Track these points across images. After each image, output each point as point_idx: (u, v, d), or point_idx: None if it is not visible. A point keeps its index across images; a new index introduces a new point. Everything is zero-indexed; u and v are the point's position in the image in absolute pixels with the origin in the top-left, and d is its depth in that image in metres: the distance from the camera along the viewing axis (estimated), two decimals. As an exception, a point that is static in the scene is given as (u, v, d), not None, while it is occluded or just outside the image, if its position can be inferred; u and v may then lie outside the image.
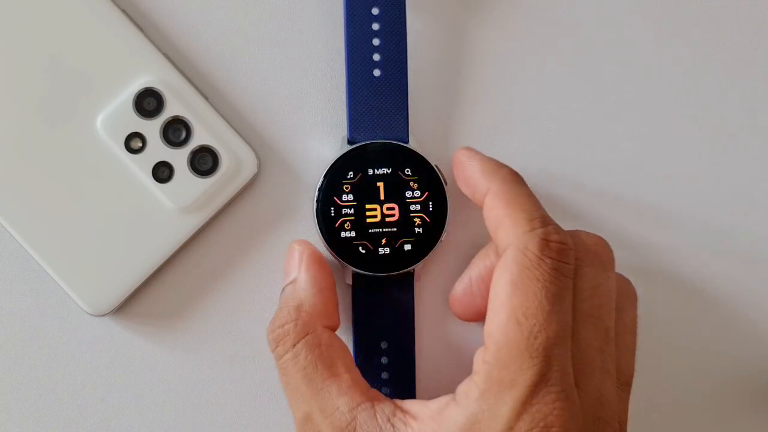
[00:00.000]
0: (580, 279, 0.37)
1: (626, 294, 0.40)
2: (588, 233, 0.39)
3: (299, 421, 0.39)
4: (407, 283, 0.43)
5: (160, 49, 0.43)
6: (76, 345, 0.43)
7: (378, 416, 0.37)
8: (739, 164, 0.46)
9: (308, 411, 0.38)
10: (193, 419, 0.44)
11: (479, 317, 0.41)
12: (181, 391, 0.44)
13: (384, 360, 0.42)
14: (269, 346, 0.40)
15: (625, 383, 0.39)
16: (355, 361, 0.42)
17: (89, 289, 0.42)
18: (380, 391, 0.40)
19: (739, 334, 0.45)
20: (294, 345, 0.39)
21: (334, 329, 0.40)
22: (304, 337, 0.39)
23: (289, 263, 0.41)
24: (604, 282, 0.38)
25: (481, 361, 0.36)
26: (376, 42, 0.43)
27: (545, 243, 0.36)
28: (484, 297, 0.39)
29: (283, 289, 0.41)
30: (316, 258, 0.41)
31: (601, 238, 0.39)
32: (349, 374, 0.38)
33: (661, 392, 0.45)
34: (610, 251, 0.39)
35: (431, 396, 0.38)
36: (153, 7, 0.45)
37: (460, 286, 0.42)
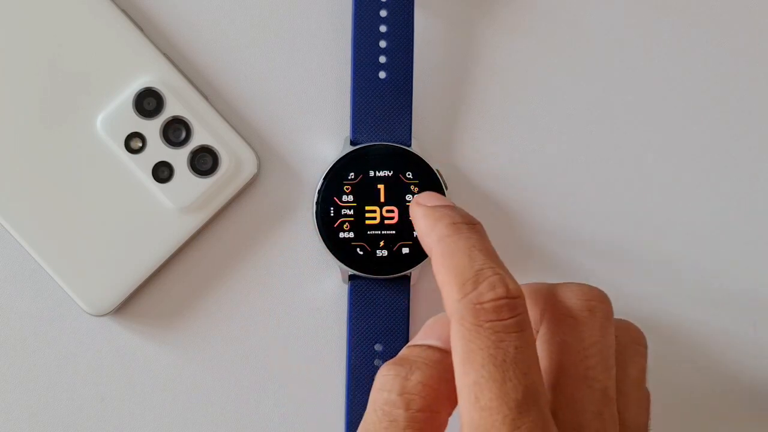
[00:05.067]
0: (572, 339, 0.35)
1: (632, 345, 0.38)
2: (580, 286, 0.37)
3: None
4: (404, 286, 0.43)
5: (160, 49, 0.43)
6: (76, 345, 0.44)
7: None
8: (745, 173, 0.46)
9: None
10: (193, 419, 0.44)
11: None
12: (181, 390, 0.44)
13: (378, 363, 0.43)
14: (387, 370, 0.35)
15: None
16: (349, 363, 0.43)
17: (89, 289, 0.42)
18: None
19: (740, 340, 0.46)
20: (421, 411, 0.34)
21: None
22: (430, 416, 0.34)
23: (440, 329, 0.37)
24: (600, 339, 0.35)
25: None
26: (383, 44, 0.43)
27: (479, 308, 0.33)
28: None
29: (428, 347, 0.36)
30: None
31: (597, 291, 0.37)
32: None
33: (661, 399, 0.45)
34: (607, 303, 0.36)
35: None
36: (153, 7, 0.44)
37: None
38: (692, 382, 0.45)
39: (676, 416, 0.45)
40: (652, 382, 0.39)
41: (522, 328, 0.33)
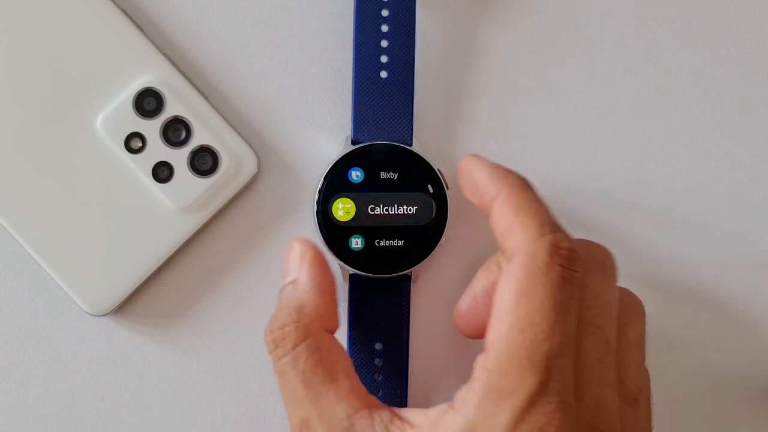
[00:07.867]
0: (583, 288, 0.37)
1: (632, 308, 0.39)
2: (592, 242, 0.39)
3: (296, 426, 0.38)
4: (404, 285, 0.43)
5: (160, 49, 0.43)
6: (76, 345, 0.43)
7: (376, 424, 0.37)
8: (749, 169, 0.46)
9: (305, 416, 0.37)
10: (193, 419, 0.44)
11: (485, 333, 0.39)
12: (181, 390, 0.44)
13: (378, 362, 0.43)
14: (267, 348, 0.39)
15: (632, 399, 0.38)
16: (349, 362, 0.43)
17: (89, 289, 0.42)
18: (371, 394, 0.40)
19: (741, 336, 0.46)
20: (294, 348, 0.38)
21: (333, 332, 0.39)
22: (304, 341, 0.38)
23: (289, 262, 0.40)
24: (607, 291, 0.37)
25: (481, 367, 0.35)
26: (384, 44, 0.43)
27: (555, 249, 0.35)
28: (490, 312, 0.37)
29: (283, 288, 0.40)
30: (319, 259, 0.40)
31: (604, 248, 0.39)
32: (348, 380, 0.38)
33: (661, 393, 0.45)
34: (614, 260, 0.38)
35: (423, 399, 0.38)
36: (153, 7, 0.44)
37: (465, 302, 0.40)
38: (692, 382, 0.45)
39: (676, 416, 0.45)
40: (653, 382, 0.40)
41: (579, 286, 0.36)
